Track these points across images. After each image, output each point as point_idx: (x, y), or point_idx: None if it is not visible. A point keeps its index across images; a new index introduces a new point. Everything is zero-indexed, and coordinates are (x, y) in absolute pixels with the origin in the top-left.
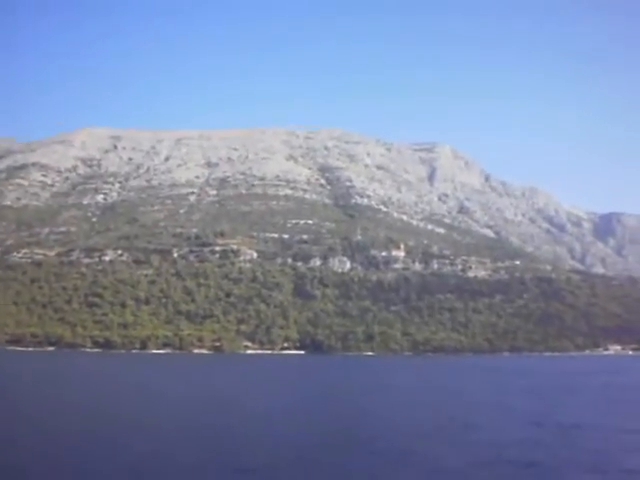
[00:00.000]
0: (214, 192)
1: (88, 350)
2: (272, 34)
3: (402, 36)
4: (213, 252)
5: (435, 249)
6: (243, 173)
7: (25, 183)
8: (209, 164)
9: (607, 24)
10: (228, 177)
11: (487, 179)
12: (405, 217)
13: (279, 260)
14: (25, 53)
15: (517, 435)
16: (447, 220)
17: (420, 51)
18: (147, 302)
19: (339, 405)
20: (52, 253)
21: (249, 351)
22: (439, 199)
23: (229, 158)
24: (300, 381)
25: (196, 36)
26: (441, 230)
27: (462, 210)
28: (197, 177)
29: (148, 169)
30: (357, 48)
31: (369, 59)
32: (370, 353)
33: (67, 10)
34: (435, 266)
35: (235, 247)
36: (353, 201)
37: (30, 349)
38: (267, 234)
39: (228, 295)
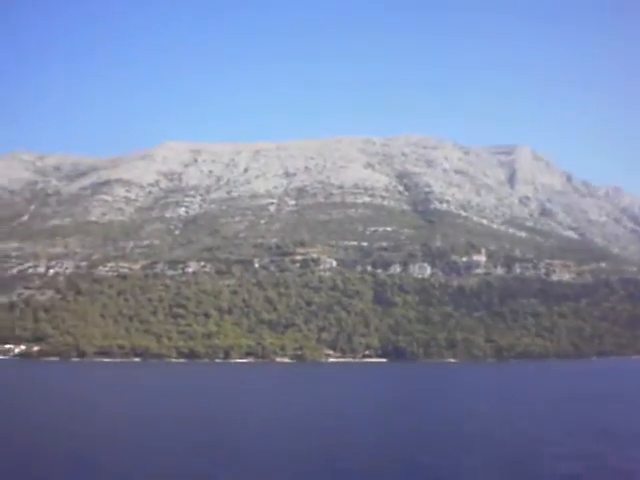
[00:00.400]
0: (293, 202)
1: (173, 360)
2: (345, 44)
3: (477, 36)
4: (293, 261)
5: (517, 253)
6: (321, 182)
7: (109, 199)
8: (287, 174)
9: None
10: (306, 186)
11: (569, 180)
12: (485, 221)
13: (359, 268)
14: (107, 69)
15: None
16: (529, 223)
17: (496, 52)
18: (230, 312)
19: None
20: (137, 266)
21: (331, 359)
22: (520, 202)
23: (307, 167)
24: (397, 389)
25: (269, 47)
26: (523, 234)
27: (544, 212)
28: (276, 187)
29: (228, 181)
30: (429, 51)
31: (444, 62)
32: (452, 360)
33: (148, 22)
34: (517, 270)
35: (315, 256)
36: (432, 206)
37: (117, 360)
38: (346, 242)
39: (309, 304)
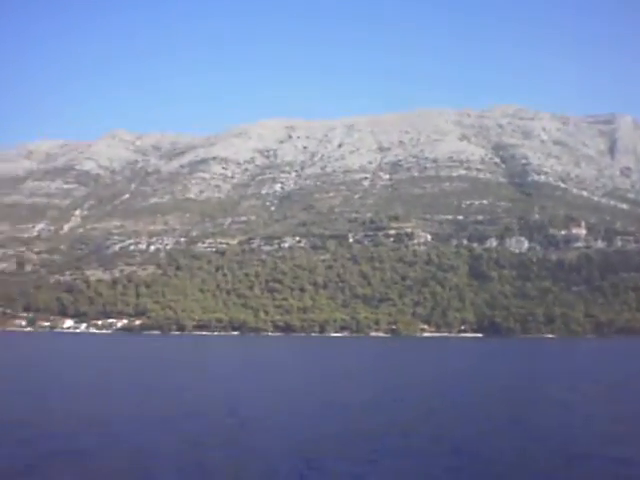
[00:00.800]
0: (387, 176)
1: (270, 334)
2: (437, 14)
3: (571, 5)
4: (387, 236)
5: (618, 225)
6: (415, 156)
7: (207, 176)
8: (381, 148)
9: None
10: (400, 160)
11: None
12: (585, 193)
13: (454, 242)
14: (202, 49)
15: None
16: (630, 195)
17: (591, 20)
18: (325, 286)
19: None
20: (234, 242)
21: (425, 334)
22: (621, 173)
23: (400, 141)
24: (505, 364)
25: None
26: (624, 206)
27: None
28: (370, 162)
29: (322, 157)
30: (522, 21)
31: (539, 32)
32: (550, 336)
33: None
34: (619, 243)
35: (409, 230)
36: (529, 179)
37: (215, 334)
38: (441, 216)
39: (403, 278)
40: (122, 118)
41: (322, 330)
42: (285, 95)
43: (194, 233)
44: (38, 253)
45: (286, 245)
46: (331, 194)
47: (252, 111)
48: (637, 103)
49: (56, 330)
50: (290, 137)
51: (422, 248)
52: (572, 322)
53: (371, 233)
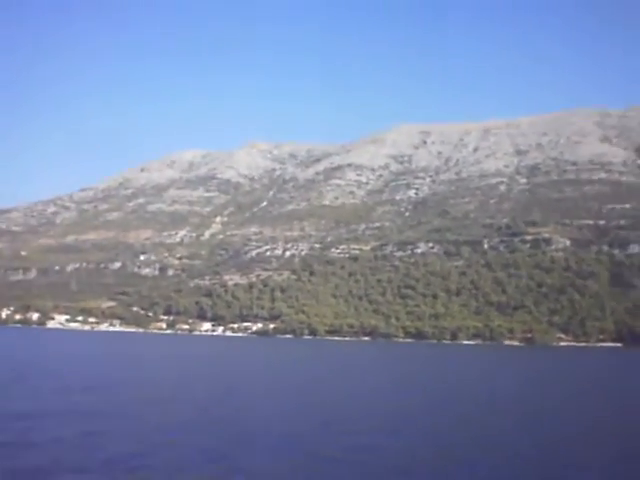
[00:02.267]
0: (524, 180)
1: (401, 340)
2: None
3: None
4: (524, 241)
5: None
6: (554, 159)
7: (342, 183)
8: (518, 152)
9: None
10: (538, 164)
11: None
12: None
13: (594, 248)
14: (333, 59)
15: None
16: None
17: None
18: (457, 293)
19: None
20: (367, 247)
21: (562, 343)
22: None
23: (539, 144)
24: None
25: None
26: None
27: None
28: (506, 166)
29: (457, 161)
30: None
31: None
32: None
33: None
34: None
35: (547, 235)
36: None
37: (347, 339)
38: (581, 221)
39: (540, 285)
40: (261, 129)
41: (454, 337)
42: (420, 100)
43: (329, 239)
44: (179, 259)
45: (419, 251)
46: (466, 199)
47: (387, 118)
48: None
49: (194, 333)
50: (425, 142)
51: (560, 254)
52: None
53: (507, 239)
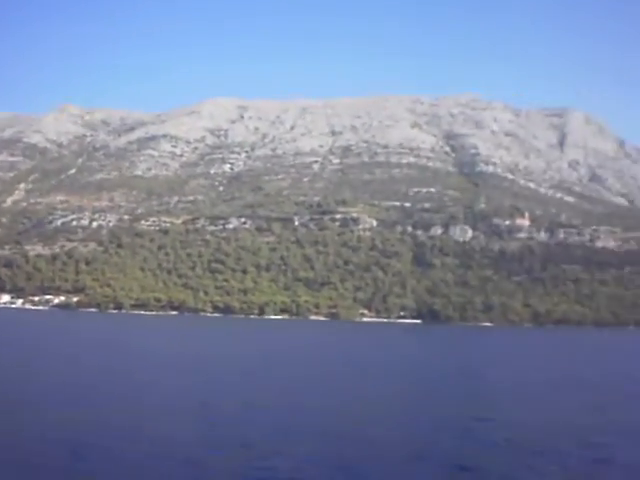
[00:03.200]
0: (337, 160)
1: (208, 315)
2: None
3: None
4: (333, 220)
5: (563, 218)
6: (366, 141)
7: (155, 154)
8: (333, 132)
9: None
10: (351, 145)
11: (621, 145)
12: (532, 185)
13: (399, 228)
14: (152, 23)
15: None
16: (577, 188)
17: (550, 13)
18: (267, 269)
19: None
20: (179, 221)
21: (365, 319)
22: (569, 166)
23: (353, 126)
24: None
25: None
26: (570, 199)
27: (594, 178)
28: (321, 146)
29: (273, 138)
30: (481, 10)
31: (496, 22)
32: (488, 324)
33: None
34: (561, 236)
35: (355, 215)
36: (478, 169)
37: (153, 313)
38: (388, 202)
39: (346, 263)
40: (73, 93)
41: (261, 312)
42: (239, 74)
43: (139, 211)
44: None
45: (231, 226)
46: (280, 176)
47: (204, 89)
48: (589, 99)
49: None
50: (242, 117)
51: (367, 233)
52: (510, 311)
53: (317, 217)
